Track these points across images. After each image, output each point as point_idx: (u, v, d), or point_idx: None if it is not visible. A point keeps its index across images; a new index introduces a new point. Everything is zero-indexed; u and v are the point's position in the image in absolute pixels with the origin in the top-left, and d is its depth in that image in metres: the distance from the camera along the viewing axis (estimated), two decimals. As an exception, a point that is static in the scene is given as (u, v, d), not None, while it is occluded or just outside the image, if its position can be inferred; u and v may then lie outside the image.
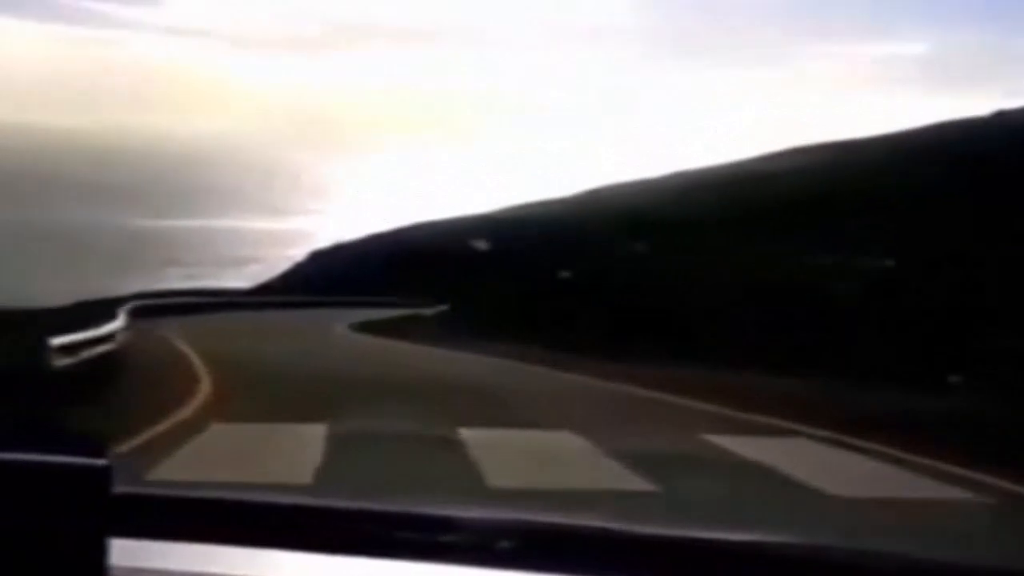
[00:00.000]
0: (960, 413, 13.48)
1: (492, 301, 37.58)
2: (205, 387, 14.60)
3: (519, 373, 20.31)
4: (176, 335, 25.98)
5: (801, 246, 32.13)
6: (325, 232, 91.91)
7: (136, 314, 31.84)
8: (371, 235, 74.17)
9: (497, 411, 12.67)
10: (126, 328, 19.35)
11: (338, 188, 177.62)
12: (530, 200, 78.41)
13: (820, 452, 10.42)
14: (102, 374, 13.63)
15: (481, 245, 49.89)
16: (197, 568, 1.24)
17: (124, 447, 8.62)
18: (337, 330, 34.32)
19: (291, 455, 8.84)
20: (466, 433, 10.18)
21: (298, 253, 78.13)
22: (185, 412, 11.63)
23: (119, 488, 1.13)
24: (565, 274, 36.32)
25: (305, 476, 7.76)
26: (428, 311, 43.92)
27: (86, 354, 13.47)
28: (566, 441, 10.26)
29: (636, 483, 7.93)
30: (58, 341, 11.97)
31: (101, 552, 1.09)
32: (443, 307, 43.59)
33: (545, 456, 9.27)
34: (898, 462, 9.68)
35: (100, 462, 1.09)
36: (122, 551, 1.14)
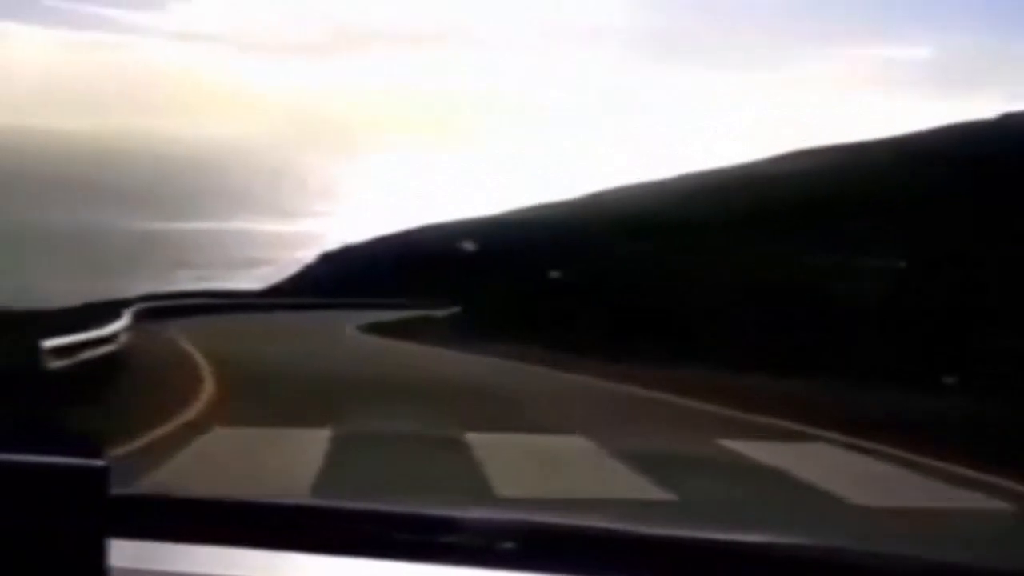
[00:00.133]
0: (970, 414, 13.32)
1: (500, 302, 37.62)
2: (208, 389, 14.35)
3: (529, 375, 20.01)
4: (182, 336, 25.81)
5: (805, 247, 32.17)
6: (334, 234, 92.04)
7: (144, 316, 32.10)
8: (379, 237, 74.20)
9: (507, 415, 12.36)
10: (129, 329, 19.26)
11: (346, 190, 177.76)
12: (536, 202, 78.51)
13: (840, 458, 10.08)
14: (102, 375, 13.47)
15: (486, 247, 49.97)
16: (197, 569, 1.24)
17: (121, 450, 8.46)
18: (346, 331, 34.23)
19: (289, 463, 8.61)
20: (473, 438, 9.89)
21: (307, 255, 78.16)
22: (185, 416, 11.41)
23: (117, 489, 1.13)
24: (573, 275, 36.32)
25: (303, 485, 7.56)
26: (437, 312, 43.98)
27: (85, 356, 13.34)
28: (578, 447, 9.92)
29: (652, 492, 7.64)
30: (51, 343, 11.83)
31: (100, 553, 1.09)
32: (452, 308, 43.59)
33: (556, 463, 8.98)
34: (912, 465, 9.45)
35: (98, 463, 1.09)
36: (121, 552, 1.14)
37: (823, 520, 6.96)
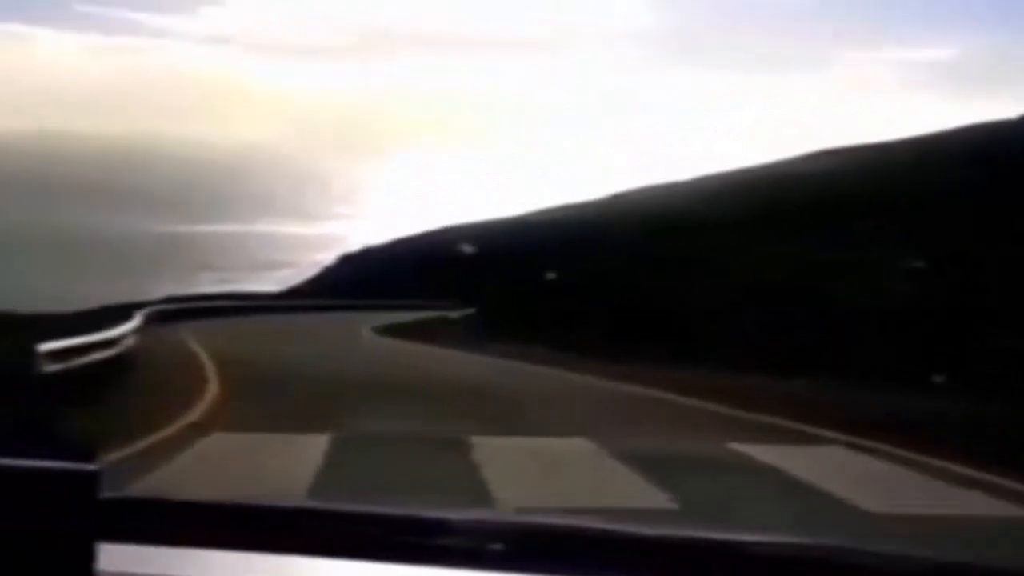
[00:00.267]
0: (976, 414, 13.19)
1: (515, 304, 37.70)
2: (212, 392, 14.17)
3: (543, 378, 19.63)
4: (193, 339, 25.58)
5: (813, 248, 32.16)
6: (355, 236, 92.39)
7: (161, 318, 32.48)
8: (399, 239, 74.38)
9: (522, 420, 12.05)
10: (139, 332, 19.16)
11: (368, 193, 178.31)
12: (556, 203, 78.53)
13: (854, 462, 9.63)
14: (104, 378, 13.36)
15: (503, 249, 50.21)
16: (188, 572, 1.24)
17: (120, 452, 8.41)
18: (362, 333, 34.29)
19: (287, 465, 8.46)
20: (478, 442, 9.65)
21: (328, 257, 78.47)
22: (187, 419, 11.27)
23: (107, 493, 1.13)
24: (592, 277, 36.24)
25: (299, 487, 7.43)
26: (452, 314, 44.14)
27: (87, 359, 13.21)
28: (589, 453, 9.55)
29: (660, 500, 7.32)
30: (47, 346, 11.67)
31: (89, 556, 1.09)
32: (467, 310, 43.68)
33: (566, 471, 8.66)
34: (926, 468, 9.18)
35: (89, 467, 1.09)
36: (111, 556, 1.14)
37: (839, 530, 6.64)
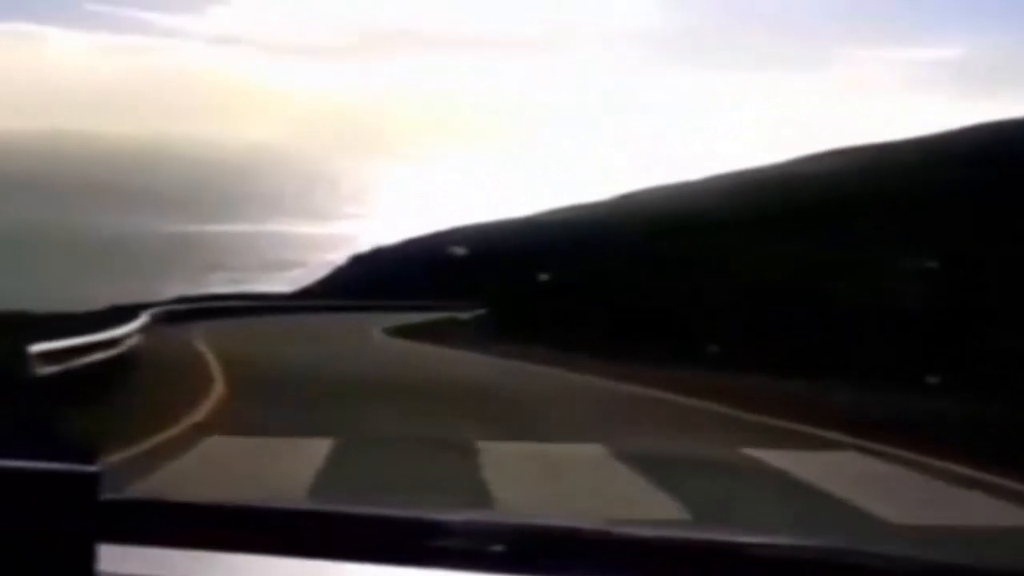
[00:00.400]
0: (981, 416, 13.06)
1: (524, 305, 37.70)
2: (217, 393, 14.05)
3: (556, 381, 19.32)
4: (200, 339, 25.43)
5: (827, 249, 32.09)
6: (365, 236, 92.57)
7: (174, 318, 32.53)
8: (411, 239, 74.48)
9: (534, 425, 11.75)
10: (143, 332, 19.12)
11: (377, 193, 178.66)
12: (566, 204, 78.58)
13: (873, 469, 9.23)
14: (106, 379, 13.30)
15: (515, 249, 50.30)
16: (187, 574, 1.24)
17: (122, 453, 8.35)
18: (373, 334, 34.24)
19: (288, 466, 8.33)
20: (485, 447, 9.43)
21: (339, 257, 78.62)
22: (191, 420, 11.16)
23: (108, 494, 1.14)
24: (607, 278, 36.25)
25: (299, 489, 7.29)
26: (463, 314, 44.13)
27: (88, 359, 13.14)
28: (599, 458, 9.25)
29: (673, 510, 7.02)
30: (39, 347, 11.58)
31: (90, 557, 1.09)
32: (479, 311, 43.67)
33: (574, 477, 8.41)
34: (941, 472, 8.91)
35: (89, 468, 1.10)
36: (111, 556, 1.14)
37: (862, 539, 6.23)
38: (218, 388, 14.63)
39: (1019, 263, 24.69)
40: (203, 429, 10.46)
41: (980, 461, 9.10)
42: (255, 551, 1.28)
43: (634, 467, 8.60)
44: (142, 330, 19.50)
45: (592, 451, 9.60)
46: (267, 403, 13.08)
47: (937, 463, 9.27)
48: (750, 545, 1.34)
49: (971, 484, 8.41)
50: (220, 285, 68.75)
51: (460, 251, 50.38)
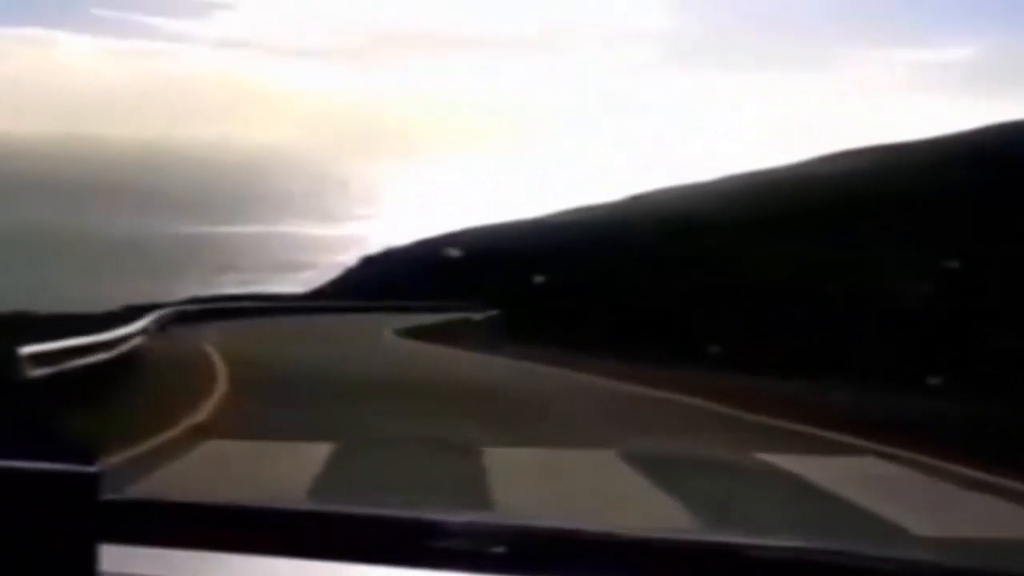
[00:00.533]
0: (992, 418, 12.97)
1: (533, 306, 37.67)
2: (219, 393, 13.91)
3: (568, 382, 19.09)
4: (207, 340, 25.19)
5: (829, 249, 32.09)
6: (376, 237, 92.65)
7: (186, 318, 32.65)
8: (421, 240, 74.50)
9: (546, 428, 11.56)
10: (149, 333, 19.14)
11: (387, 194, 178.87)
12: (577, 205, 78.58)
13: (895, 475, 8.87)
14: (108, 379, 13.21)
15: (526, 249, 50.36)
16: (187, 574, 1.25)
17: (123, 453, 8.32)
18: (383, 334, 34.17)
19: (289, 467, 8.28)
20: (490, 452, 9.17)
21: (350, 258, 78.66)
22: (184, 424, 10.97)
23: (109, 495, 1.14)
24: (619, 279, 36.17)
25: (299, 490, 7.19)
26: (475, 315, 44.07)
27: (86, 360, 13.05)
28: (609, 465, 8.98)
29: (683, 520, 6.70)
30: (31, 349, 11.44)
31: (90, 558, 1.10)
32: (491, 312, 43.60)
33: (581, 481, 8.21)
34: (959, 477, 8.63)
35: (90, 469, 1.10)
36: (113, 556, 1.14)
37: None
38: (221, 388, 14.53)
39: (1021, 264, 24.63)
40: (202, 431, 10.36)
41: (981, 461, 9.01)
42: (255, 551, 1.28)
43: (639, 469, 8.51)
44: (148, 330, 19.50)
45: (598, 454, 9.43)
46: (270, 405, 12.98)
47: (940, 464, 9.16)
48: (751, 547, 1.34)
49: (982, 487, 8.16)
50: (232, 286, 68.90)
51: (466, 253, 50.39)
